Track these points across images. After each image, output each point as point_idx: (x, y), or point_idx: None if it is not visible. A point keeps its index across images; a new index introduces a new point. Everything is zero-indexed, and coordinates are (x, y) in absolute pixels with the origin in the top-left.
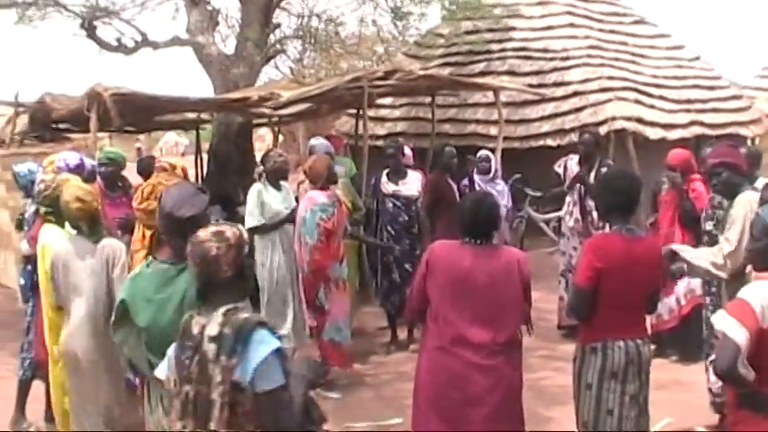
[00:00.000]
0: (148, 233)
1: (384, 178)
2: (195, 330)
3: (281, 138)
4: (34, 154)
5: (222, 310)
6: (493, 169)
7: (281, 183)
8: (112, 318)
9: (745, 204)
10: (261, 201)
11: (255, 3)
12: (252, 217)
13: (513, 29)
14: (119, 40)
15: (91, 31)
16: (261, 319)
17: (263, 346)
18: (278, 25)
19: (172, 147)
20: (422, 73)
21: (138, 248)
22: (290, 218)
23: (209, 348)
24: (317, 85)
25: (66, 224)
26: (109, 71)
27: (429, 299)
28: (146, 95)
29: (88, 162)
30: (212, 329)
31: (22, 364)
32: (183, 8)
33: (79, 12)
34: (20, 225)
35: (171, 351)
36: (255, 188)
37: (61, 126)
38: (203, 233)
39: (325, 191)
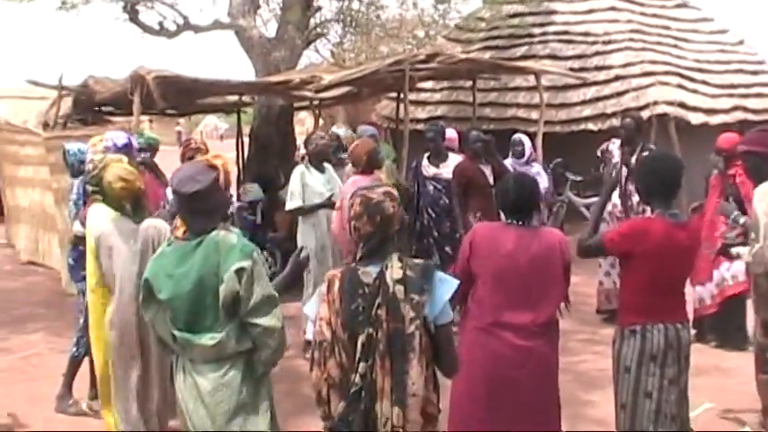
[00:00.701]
0: None
1: (425, 161)
2: (367, 279)
3: (320, 121)
4: (77, 136)
5: (395, 257)
6: (527, 153)
7: (325, 165)
8: (140, 297)
9: (762, 196)
10: (303, 183)
11: None
12: (293, 199)
13: (555, 12)
14: (161, 23)
15: (133, 15)
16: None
17: (446, 284)
18: (319, 8)
19: (212, 130)
20: (463, 56)
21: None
22: (330, 203)
23: (398, 290)
24: (358, 68)
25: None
26: (150, 55)
27: (472, 280)
28: (188, 78)
29: (135, 142)
30: (396, 274)
31: (76, 342)
32: None
33: None
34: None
35: (313, 307)
36: (298, 170)
37: (103, 109)
38: (377, 195)
39: (368, 175)
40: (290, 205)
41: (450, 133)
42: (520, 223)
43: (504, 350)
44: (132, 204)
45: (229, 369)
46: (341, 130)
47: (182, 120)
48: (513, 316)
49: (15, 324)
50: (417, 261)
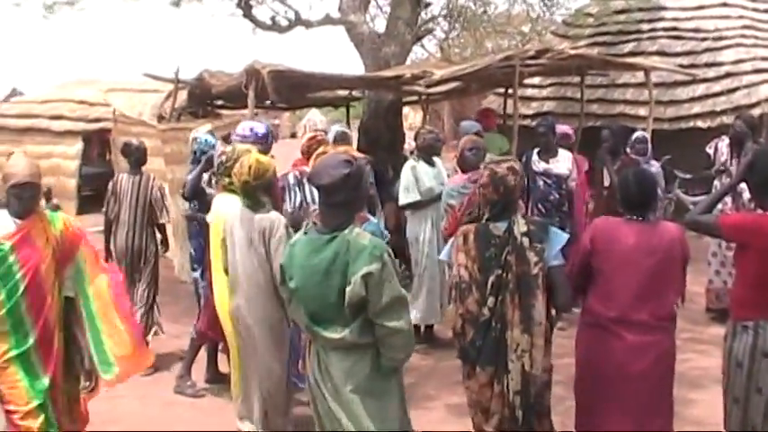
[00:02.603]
0: None
1: (535, 156)
2: (497, 232)
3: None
4: (191, 129)
5: (519, 216)
6: (649, 151)
7: (435, 159)
8: (279, 278)
9: None
10: (415, 177)
11: None
12: (407, 193)
13: (664, 8)
14: (273, 19)
15: (247, 11)
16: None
17: (559, 236)
18: (428, 4)
19: (314, 124)
20: (573, 52)
21: None
22: (436, 199)
23: (524, 240)
24: (469, 63)
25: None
26: (255, 49)
27: (591, 275)
28: (302, 72)
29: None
30: (522, 228)
31: (195, 326)
32: None
33: None
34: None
35: (448, 252)
36: (409, 165)
37: (214, 103)
38: (501, 169)
39: (464, 173)
40: (404, 199)
41: (565, 129)
42: (639, 218)
43: (624, 346)
44: (257, 195)
45: (358, 359)
46: (467, 122)
47: (287, 114)
48: (633, 311)
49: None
50: (536, 218)
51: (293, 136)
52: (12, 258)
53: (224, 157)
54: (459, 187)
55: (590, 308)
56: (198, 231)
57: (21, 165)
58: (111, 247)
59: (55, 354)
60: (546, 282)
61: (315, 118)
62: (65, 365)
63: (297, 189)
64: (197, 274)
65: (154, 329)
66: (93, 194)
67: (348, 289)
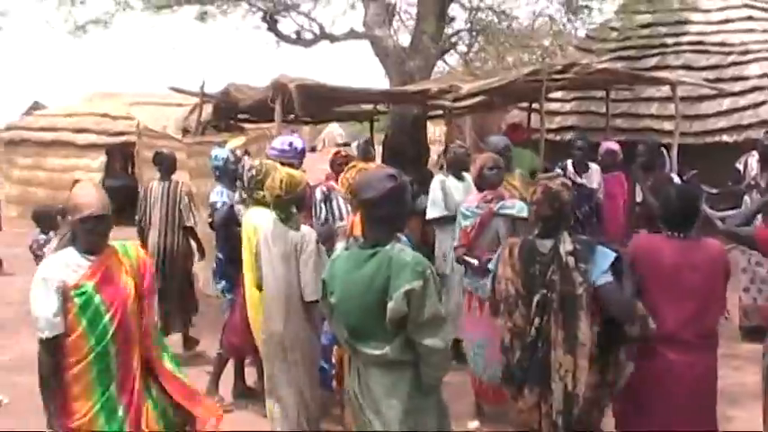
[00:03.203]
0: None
1: (570, 168)
2: (542, 249)
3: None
4: (217, 142)
5: (566, 234)
6: (667, 165)
7: (464, 174)
8: (320, 293)
9: None
10: (444, 192)
11: None
12: (435, 208)
13: (690, 22)
14: (298, 33)
15: (272, 25)
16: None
17: (605, 255)
18: (453, 19)
19: (335, 137)
20: (600, 66)
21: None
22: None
23: (570, 260)
24: (496, 77)
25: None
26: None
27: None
28: (328, 87)
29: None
30: (568, 247)
31: (221, 341)
32: (358, 2)
33: (263, 6)
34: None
35: (495, 263)
36: (438, 179)
37: (239, 117)
38: (555, 185)
39: (481, 192)
40: (432, 214)
41: (611, 146)
42: (681, 235)
43: (666, 366)
44: (289, 209)
45: (399, 377)
46: (495, 137)
47: (306, 128)
48: (676, 330)
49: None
50: (583, 237)
51: (313, 149)
52: (97, 299)
53: (253, 171)
54: (474, 207)
55: None
56: (222, 245)
57: (91, 195)
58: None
59: (139, 401)
60: (596, 301)
61: (334, 131)
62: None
63: (323, 205)
64: (221, 286)
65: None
66: (115, 208)
67: (390, 305)
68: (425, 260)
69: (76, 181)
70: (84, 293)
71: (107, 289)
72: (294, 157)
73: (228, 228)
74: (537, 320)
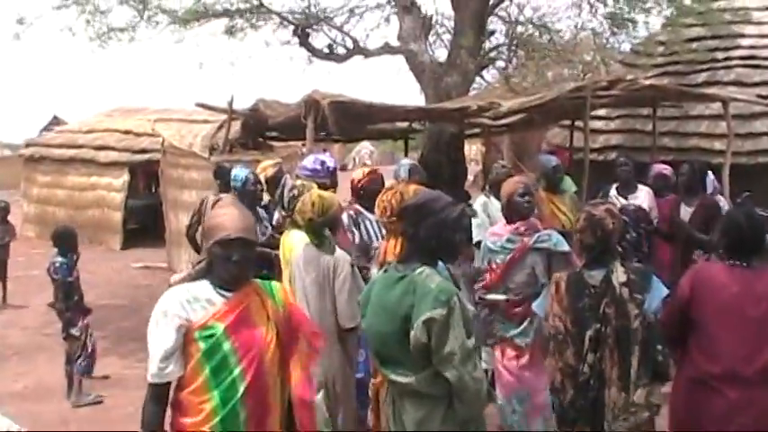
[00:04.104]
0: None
1: (613, 191)
2: (592, 281)
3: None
4: (246, 161)
5: (617, 263)
6: (710, 186)
7: None
8: (358, 319)
9: None
10: (486, 214)
11: (470, 8)
12: (479, 231)
13: (741, 36)
14: (330, 47)
15: (303, 39)
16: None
17: (661, 287)
18: (492, 32)
19: (366, 155)
20: (647, 82)
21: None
22: None
23: (624, 291)
24: (537, 95)
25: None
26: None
27: (689, 325)
28: (363, 103)
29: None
30: (621, 277)
31: None
32: (393, 15)
33: (294, 19)
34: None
35: (542, 305)
36: (481, 201)
37: (267, 134)
38: (599, 212)
39: (511, 224)
40: (477, 236)
41: (662, 169)
42: (744, 264)
43: (726, 403)
44: (321, 233)
45: (431, 410)
46: (545, 156)
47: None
48: (738, 366)
49: None
50: (637, 265)
51: (343, 168)
52: (227, 346)
53: (295, 192)
54: (504, 241)
55: (692, 361)
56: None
57: (232, 214)
58: None
59: None
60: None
61: (365, 150)
62: None
63: (354, 229)
64: None
65: None
66: (138, 228)
67: (411, 333)
68: (453, 288)
69: (218, 200)
70: (211, 336)
71: (241, 334)
72: (326, 177)
73: None
74: (590, 357)
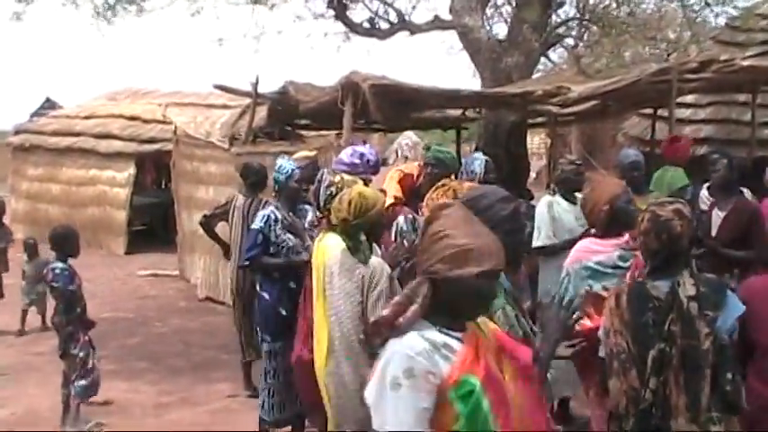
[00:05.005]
0: None
1: (704, 192)
2: (656, 293)
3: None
4: (273, 153)
5: (686, 273)
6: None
7: (577, 195)
8: None
9: None
10: (552, 216)
11: None
12: (540, 235)
13: None
14: (371, 21)
15: (340, 12)
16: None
17: (736, 301)
18: (561, 4)
19: (411, 147)
20: (746, 63)
21: None
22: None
23: (692, 306)
24: (613, 78)
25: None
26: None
27: (749, 347)
28: (409, 87)
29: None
30: (689, 290)
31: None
32: None
33: None
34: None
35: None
36: (545, 200)
37: (297, 122)
38: (666, 212)
39: (608, 239)
40: (537, 242)
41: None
42: None
43: None
44: (362, 237)
45: None
46: (628, 151)
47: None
48: None
49: (196, 371)
50: (710, 276)
51: (383, 163)
52: (486, 405)
53: (333, 189)
54: (616, 260)
55: (749, 386)
56: (269, 296)
57: (486, 235)
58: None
59: None
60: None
61: (408, 140)
62: None
63: (414, 236)
64: (268, 347)
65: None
66: (145, 229)
67: None
68: (501, 303)
69: (444, 206)
70: (470, 394)
71: (492, 386)
72: (366, 172)
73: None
74: (653, 381)
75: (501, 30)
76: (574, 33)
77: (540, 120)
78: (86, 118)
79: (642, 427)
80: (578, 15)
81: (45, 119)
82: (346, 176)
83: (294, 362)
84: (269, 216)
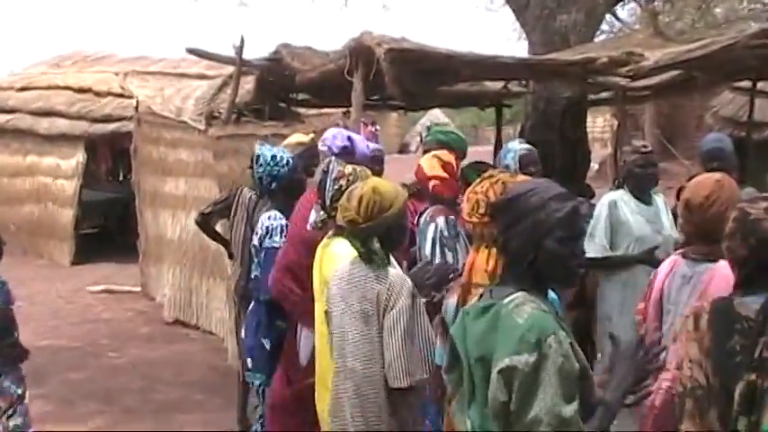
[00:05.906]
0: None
1: None
2: (745, 312)
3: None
4: (263, 136)
5: None
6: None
7: (652, 195)
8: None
9: None
10: (615, 218)
11: None
12: (594, 242)
13: None
14: None
15: None
16: None
17: None
18: None
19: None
20: None
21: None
22: (653, 257)
23: None
24: (700, 42)
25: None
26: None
27: None
28: (438, 53)
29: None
30: None
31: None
32: None
33: None
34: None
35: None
36: (607, 199)
37: (293, 97)
38: (756, 211)
39: (706, 245)
40: (590, 251)
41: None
42: None
43: None
44: (375, 243)
45: None
46: (713, 137)
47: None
48: None
49: (159, 414)
50: None
51: (403, 150)
52: None
53: (342, 182)
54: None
55: None
56: (257, 321)
57: None
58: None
59: None
60: None
61: (439, 119)
62: None
63: (454, 242)
64: (258, 381)
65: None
66: (98, 233)
67: (490, 387)
68: (550, 324)
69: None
70: None
71: None
72: (363, 163)
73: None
74: (742, 423)
75: None
76: None
77: (604, 95)
78: (22, 90)
79: None
80: None
81: None
82: (358, 167)
83: (269, 405)
84: (282, 228)
